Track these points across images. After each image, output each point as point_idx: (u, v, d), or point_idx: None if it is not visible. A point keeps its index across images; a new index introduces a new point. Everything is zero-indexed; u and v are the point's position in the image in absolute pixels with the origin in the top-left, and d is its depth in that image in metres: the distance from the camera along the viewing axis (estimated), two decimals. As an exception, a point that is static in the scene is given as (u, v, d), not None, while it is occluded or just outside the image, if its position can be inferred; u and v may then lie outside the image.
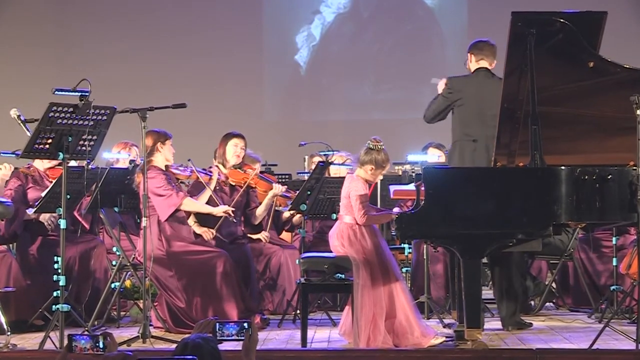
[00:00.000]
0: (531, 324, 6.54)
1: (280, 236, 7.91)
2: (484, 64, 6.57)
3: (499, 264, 6.49)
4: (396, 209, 5.93)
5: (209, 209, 6.79)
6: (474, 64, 6.61)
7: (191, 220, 6.86)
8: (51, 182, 6.73)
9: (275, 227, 7.75)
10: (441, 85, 6.63)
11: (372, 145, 5.94)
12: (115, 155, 7.39)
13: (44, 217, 6.68)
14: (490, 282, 7.35)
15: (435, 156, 7.80)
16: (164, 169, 6.70)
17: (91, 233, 7.15)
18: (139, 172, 6.47)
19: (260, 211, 7.27)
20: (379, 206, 7.48)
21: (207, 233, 6.87)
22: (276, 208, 7.55)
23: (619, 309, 6.70)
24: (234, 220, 6.93)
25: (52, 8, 12.03)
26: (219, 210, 6.77)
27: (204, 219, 6.93)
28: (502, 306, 6.50)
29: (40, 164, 6.96)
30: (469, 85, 6.53)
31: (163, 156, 6.69)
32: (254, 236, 7.43)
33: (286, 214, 7.62)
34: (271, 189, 7.20)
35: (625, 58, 5.79)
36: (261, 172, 7.49)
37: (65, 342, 5.40)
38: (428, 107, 6.67)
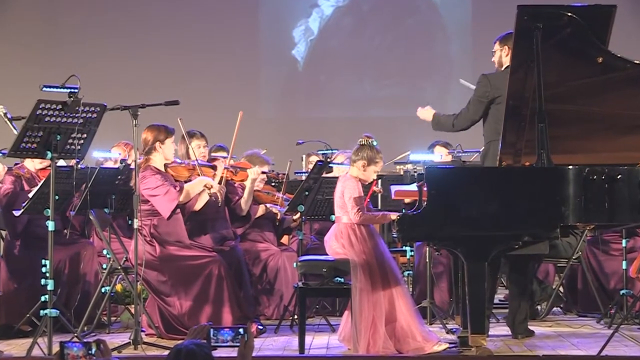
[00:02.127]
0: (533, 332, 6.53)
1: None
2: None
3: (513, 268, 6.48)
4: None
5: (200, 181, 6.71)
6: (507, 58, 6.39)
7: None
8: (41, 183, 6.75)
9: (276, 231, 7.75)
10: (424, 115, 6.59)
11: (364, 141, 6.01)
12: (106, 154, 7.40)
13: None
14: (497, 286, 7.36)
15: (439, 155, 7.80)
16: (162, 169, 6.67)
17: (83, 236, 7.15)
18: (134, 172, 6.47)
19: (244, 200, 7.24)
20: (379, 207, 7.50)
21: (220, 190, 6.84)
22: (276, 210, 7.56)
23: (629, 314, 6.72)
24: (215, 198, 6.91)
25: (40, 5, 12.03)
26: (210, 181, 6.73)
27: (198, 224, 6.93)
28: (514, 310, 6.47)
29: (31, 165, 6.95)
30: (504, 80, 6.17)
31: (162, 156, 6.66)
32: (275, 209, 7.44)
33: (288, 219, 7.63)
34: (247, 175, 7.18)
35: (629, 53, 5.81)
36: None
37: (55, 348, 5.43)
38: (455, 117, 6.52)
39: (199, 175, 6.82)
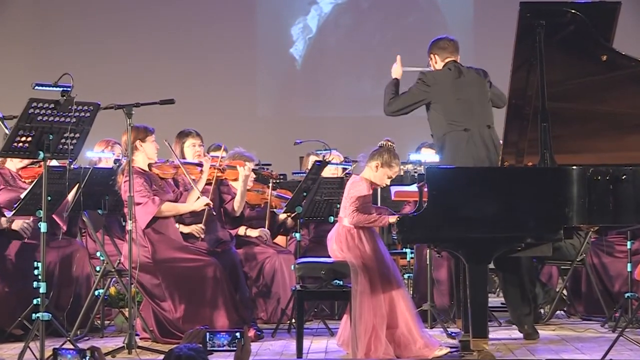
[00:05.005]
0: (538, 334, 6.53)
1: (275, 240, 7.90)
2: (449, 60, 6.60)
3: (507, 269, 6.48)
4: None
5: (188, 207, 6.71)
6: (439, 63, 6.62)
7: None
8: (24, 182, 6.71)
9: (270, 230, 7.73)
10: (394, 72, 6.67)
11: (384, 143, 6.05)
12: (98, 154, 7.37)
13: (17, 225, 6.62)
14: (499, 289, 7.36)
15: (429, 156, 7.78)
16: (146, 168, 6.65)
17: (69, 235, 7.10)
18: (120, 173, 6.45)
19: (237, 201, 7.21)
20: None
21: (196, 230, 6.85)
22: (271, 210, 7.54)
23: (633, 318, 6.71)
24: (214, 212, 6.88)
25: (34, 4, 12.01)
26: (200, 204, 6.70)
27: (189, 220, 6.92)
28: (516, 309, 6.47)
29: (12, 164, 6.90)
30: (445, 79, 6.52)
31: (144, 154, 6.64)
32: (253, 233, 7.41)
33: (282, 216, 7.60)
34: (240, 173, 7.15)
35: (629, 52, 5.80)
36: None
37: (47, 352, 5.42)
38: (393, 99, 6.60)
39: (184, 173, 6.78)
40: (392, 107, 6.60)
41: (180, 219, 6.90)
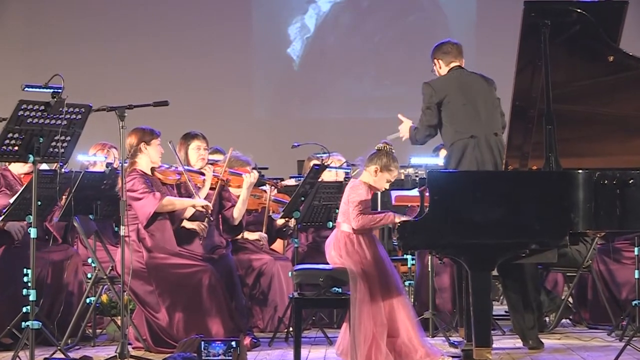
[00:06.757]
0: (543, 343, 6.53)
1: (272, 246, 7.90)
2: (454, 65, 6.59)
3: (510, 275, 6.49)
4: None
5: (186, 202, 6.73)
6: (444, 68, 6.60)
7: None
8: (24, 187, 6.73)
9: (268, 235, 7.73)
10: (403, 130, 6.63)
11: (382, 146, 6.00)
12: (91, 157, 7.37)
13: (12, 226, 6.63)
14: (502, 297, 7.36)
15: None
16: (148, 172, 6.66)
17: (64, 243, 7.12)
18: (120, 177, 6.45)
19: (238, 208, 7.21)
20: (379, 213, 7.49)
21: (200, 226, 6.84)
22: (269, 214, 7.54)
23: (641, 326, 6.72)
24: (212, 218, 6.89)
25: (25, 5, 12.02)
26: (200, 203, 6.71)
27: (188, 232, 6.91)
28: (520, 320, 6.48)
29: (17, 168, 6.92)
30: (450, 84, 6.49)
31: (147, 157, 6.65)
32: (251, 236, 7.41)
33: (280, 222, 7.60)
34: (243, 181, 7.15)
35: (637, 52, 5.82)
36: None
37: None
38: (415, 130, 6.55)
39: (186, 179, 6.79)
40: (420, 135, 6.54)
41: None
